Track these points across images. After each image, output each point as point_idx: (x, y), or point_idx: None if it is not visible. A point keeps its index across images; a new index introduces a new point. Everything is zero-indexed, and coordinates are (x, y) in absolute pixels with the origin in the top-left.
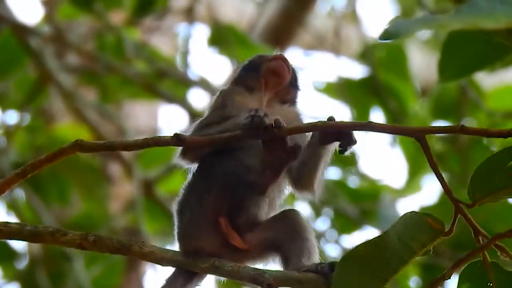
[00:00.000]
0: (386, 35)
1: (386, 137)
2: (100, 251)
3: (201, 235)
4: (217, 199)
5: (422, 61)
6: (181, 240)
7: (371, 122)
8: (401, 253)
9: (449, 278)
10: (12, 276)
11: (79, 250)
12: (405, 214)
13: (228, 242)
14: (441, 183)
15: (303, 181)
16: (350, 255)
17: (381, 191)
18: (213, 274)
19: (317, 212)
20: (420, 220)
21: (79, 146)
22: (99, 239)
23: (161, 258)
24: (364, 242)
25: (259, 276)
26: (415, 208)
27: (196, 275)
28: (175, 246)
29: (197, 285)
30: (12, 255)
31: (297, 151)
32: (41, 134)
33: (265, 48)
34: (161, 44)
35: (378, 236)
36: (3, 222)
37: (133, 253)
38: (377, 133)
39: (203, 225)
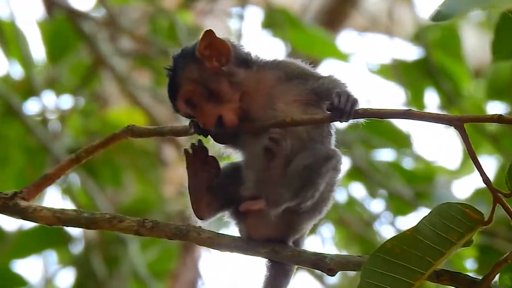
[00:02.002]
0: (438, 15)
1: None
2: (157, 237)
3: (242, 228)
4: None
5: (476, 42)
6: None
7: (411, 109)
8: (438, 245)
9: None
10: (67, 261)
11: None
12: (440, 205)
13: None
14: (479, 171)
15: None
16: (380, 250)
17: (436, 173)
18: (273, 259)
19: (372, 194)
20: (457, 210)
21: (130, 131)
22: (156, 225)
23: (219, 244)
24: (394, 237)
25: (319, 261)
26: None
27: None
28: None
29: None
30: (67, 239)
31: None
32: (95, 118)
33: (318, 30)
34: (214, 27)
35: (410, 229)
36: (60, 209)
37: (191, 238)
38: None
39: (238, 221)
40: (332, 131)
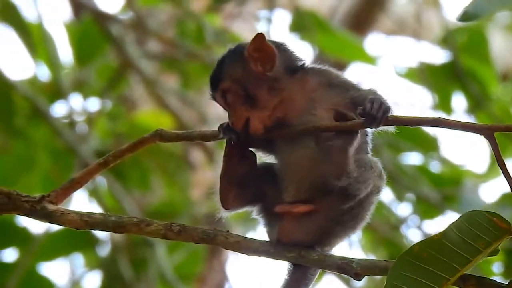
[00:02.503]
0: (465, 16)
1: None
2: (184, 241)
3: (272, 230)
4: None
5: (503, 45)
6: (266, 231)
7: (440, 118)
8: (465, 252)
9: None
10: (94, 263)
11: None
12: (469, 212)
13: (297, 215)
14: (508, 182)
15: None
16: (407, 254)
17: (463, 176)
18: (299, 263)
19: (399, 198)
20: (484, 218)
21: (159, 135)
22: (183, 229)
23: (247, 248)
24: (421, 241)
25: (345, 265)
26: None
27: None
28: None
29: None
30: (94, 242)
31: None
32: (122, 121)
33: (346, 33)
34: (242, 30)
35: (437, 234)
36: (87, 213)
37: (218, 243)
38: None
39: (270, 222)
40: (369, 140)
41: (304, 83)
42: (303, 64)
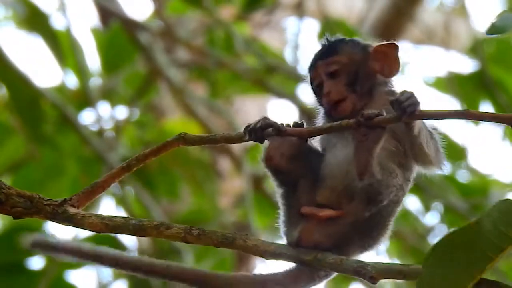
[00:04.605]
0: (493, 29)
1: (497, 131)
2: (204, 244)
3: (293, 229)
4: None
5: None
6: (284, 234)
7: (468, 110)
8: (497, 241)
9: None
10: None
11: (188, 244)
12: (501, 201)
13: (322, 219)
14: None
15: (420, 160)
16: (442, 244)
17: (490, 186)
18: (316, 266)
19: (427, 207)
20: None
21: (182, 139)
22: (203, 232)
23: (265, 251)
24: (456, 230)
25: (361, 268)
26: None
27: (318, 271)
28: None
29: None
30: (121, 249)
31: (367, 120)
32: (150, 129)
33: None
34: (270, 39)
35: (472, 223)
36: (108, 216)
37: (237, 246)
38: (477, 122)
39: (292, 221)
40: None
41: (384, 98)
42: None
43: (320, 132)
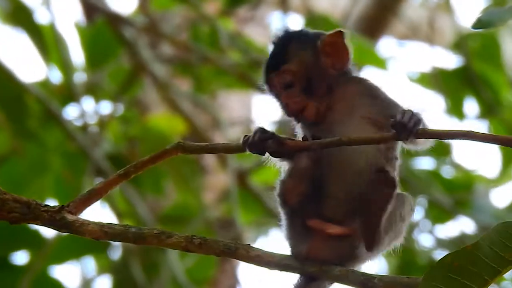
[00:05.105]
0: (479, 24)
1: (481, 127)
2: (205, 253)
3: (300, 243)
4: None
5: None
6: (289, 245)
7: (471, 131)
8: (495, 264)
9: None
10: (105, 267)
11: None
12: (501, 224)
13: (330, 236)
14: None
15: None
16: (439, 265)
17: (475, 181)
18: (321, 278)
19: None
20: None
21: (181, 147)
22: (204, 241)
23: (268, 262)
24: (452, 253)
25: (368, 281)
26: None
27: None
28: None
29: None
30: (106, 246)
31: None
32: (135, 124)
33: (359, 38)
34: (255, 34)
35: (469, 246)
36: (107, 223)
37: (239, 256)
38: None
39: (298, 234)
40: (398, 155)
41: (347, 89)
42: (352, 66)
43: (321, 146)
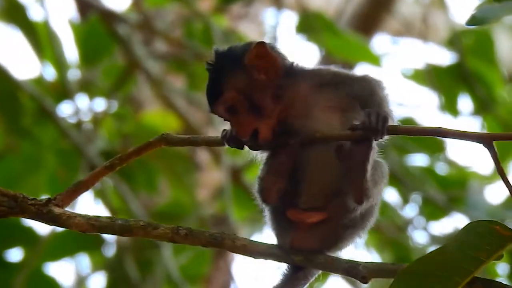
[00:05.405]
0: (473, 21)
1: (475, 124)
2: (192, 244)
3: (284, 235)
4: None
5: (509, 47)
6: (274, 236)
7: (440, 127)
8: (466, 265)
9: None
10: (100, 264)
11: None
12: (469, 224)
13: (310, 224)
14: (509, 190)
15: None
16: (407, 270)
17: (469, 178)
18: (306, 266)
19: (405, 199)
20: (486, 228)
21: (165, 139)
22: (190, 232)
23: (254, 252)
24: (421, 258)
25: (352, 268)
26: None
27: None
28: (265, 236)
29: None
30: (100, 243)
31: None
32: (129, 121)
33: (353, 34)
34: (248, 31)
35: (437, 249)
36: (94, 216)
37: (225, 246)
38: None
39: (281, 226)
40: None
41: (298, 89)
42: (293, 65)
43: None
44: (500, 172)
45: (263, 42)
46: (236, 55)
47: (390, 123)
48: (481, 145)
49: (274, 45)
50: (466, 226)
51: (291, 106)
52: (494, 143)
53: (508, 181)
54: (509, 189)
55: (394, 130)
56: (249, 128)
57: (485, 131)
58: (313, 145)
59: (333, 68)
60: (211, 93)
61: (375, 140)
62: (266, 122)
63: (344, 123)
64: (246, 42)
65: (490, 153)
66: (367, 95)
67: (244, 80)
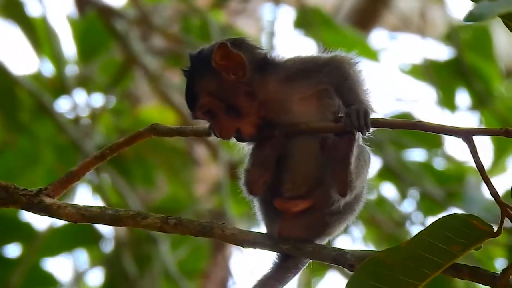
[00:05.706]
0: (471, 16)
1: (473, 118)
2: (181, 233)
3: (272, 224)
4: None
5: (507, 41)
6: (264, 225)
7: (420, 121)
8: (437, 257)
9: None
10: (97, 259)
11: (164, 233)
12: (443, 217)
13: (296, 213)
14: (487, 185)
15: None
16: (370, 261)
17: (466, 173)
18: (294, 255)
19: (403, 194)
20: (462, 222)
21: (154, 130)
22: (180, 222)
23: (243, 240)
24: (390, 248)
25: (340, 257)
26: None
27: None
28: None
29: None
30: (98, 238)
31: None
32: (126, 117)
33: (350, 30)
34: (246, 26)
35: (407, 241)
36: (84, 206)
37: (215, 235)
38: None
39: (269, 216)
40: None
41: (266, 84)
42: (266, 56)
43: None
44: (479, 167)
45: (224, 42)
46: (204, 58)
47: (371, 114)
48: (460, 139)
49: (239, 41)
50: (439, 219)
51: (265, 102)
52: (490, 138)
53: (487, 176)
54: (487, 185)
55: (376, 123)
56: (231, 129)
57: (483, 126)
58: (297, 136)
59: (301, 55)
60: (188, 99)
61: (362, 135)
62: (246, 121)
63: (322, 111)
64: (213, 43)
65: (469, 147)
66: (340, 79)
67: (215, 82)
